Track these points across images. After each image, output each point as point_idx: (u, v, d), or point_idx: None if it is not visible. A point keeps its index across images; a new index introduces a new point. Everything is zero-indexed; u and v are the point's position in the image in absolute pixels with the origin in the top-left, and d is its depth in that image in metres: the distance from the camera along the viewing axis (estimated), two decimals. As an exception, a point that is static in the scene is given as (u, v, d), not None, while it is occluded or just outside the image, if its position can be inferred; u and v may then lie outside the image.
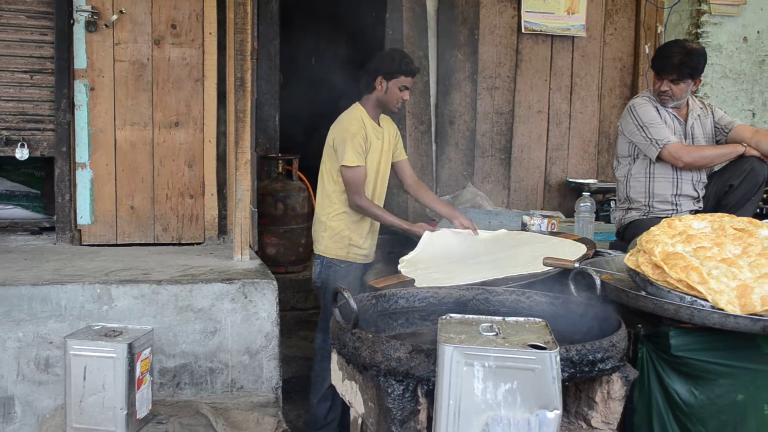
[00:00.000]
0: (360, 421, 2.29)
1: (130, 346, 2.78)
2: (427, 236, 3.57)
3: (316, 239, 3.91)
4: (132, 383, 2.80)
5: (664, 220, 2.79)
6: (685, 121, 3.91)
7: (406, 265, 3.33)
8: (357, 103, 3.90)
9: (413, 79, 3.89)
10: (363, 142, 3.74)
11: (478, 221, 4.48)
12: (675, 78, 3.77)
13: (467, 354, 1.74)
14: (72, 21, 4.14)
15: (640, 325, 2.53)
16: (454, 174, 5.58)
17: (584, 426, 2.25)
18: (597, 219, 4.82)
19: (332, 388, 3.46)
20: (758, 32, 5.68)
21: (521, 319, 1.97)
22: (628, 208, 3.98)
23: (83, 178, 4.23)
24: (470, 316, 1.98)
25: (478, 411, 1.73)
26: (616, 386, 2.17)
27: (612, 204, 5.03)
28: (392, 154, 4.02)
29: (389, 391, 2.01)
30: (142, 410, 2.89)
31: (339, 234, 3.82)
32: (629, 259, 2.69)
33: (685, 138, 3.89)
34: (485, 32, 5.56)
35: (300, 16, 6.26)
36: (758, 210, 4.05)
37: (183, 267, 3.69)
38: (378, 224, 3.95)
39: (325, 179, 3.87)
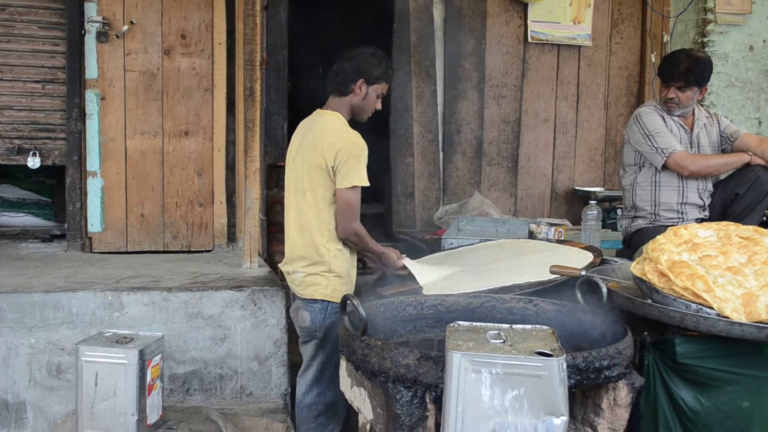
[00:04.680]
0: (368, 427, 2.31)
1: (141, 353, 2.81)
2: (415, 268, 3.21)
3: (315, 282, 3.11)
4: (143, 389, 2.83)
5: (669, 228, 2.80)
6: (691, 130, 3.93)
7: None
8: (331, 111, 3.20)
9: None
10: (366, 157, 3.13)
11: (485, 229, 4.51)
12: (682, 85, 3.80)
13: (475, 361, 1.76)
14: (83, 31, 4.20)
15: (646, 333, 2.54)
16: (461, 182, 5.61)
17: (591, 432, 2.27)
18: (603, 227, 4.83)
19: None
20: (764, 41, 5.70)
21: (528, 326, 1.99)
22: (635, 217, 4.00)
23: (94, 187, 4.28)
24: (478, 323, 2.00)
25: (485, 417, 1.75)
26: (623, 393, 2.19)
27: (618, 212, 5.05)
28: None
29: (398, 397, 2.03)
30: (153, 416, 2.92)
31: (347, 273, 3.17)
32: (635, 267, 2.70)
33: (691, 147, 3.91)
34: (492, 41, 5.60)
35: (308, 26, 6.30)
36: (764, 218, 4.06)
37: (193, 274, 3.73)
38: None
39: (323, 207, 3.09)
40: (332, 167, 3.03)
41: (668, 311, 2.45)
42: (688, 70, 3.77)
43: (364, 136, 3.11)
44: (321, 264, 3.11)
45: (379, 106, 3.28)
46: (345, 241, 3.12)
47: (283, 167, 5.06)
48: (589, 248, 3.47)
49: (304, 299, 3.12)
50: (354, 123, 3.28)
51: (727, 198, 3.88)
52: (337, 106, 3.19)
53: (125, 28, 4.24)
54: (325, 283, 3.10)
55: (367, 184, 3.06)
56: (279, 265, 3.31)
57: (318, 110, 3.24)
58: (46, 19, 4.24)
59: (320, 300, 3.10)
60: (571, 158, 5.87)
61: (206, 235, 4.47)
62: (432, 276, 3.13)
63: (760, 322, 2.33)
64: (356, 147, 3.05)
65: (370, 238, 3.17)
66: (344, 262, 3.14)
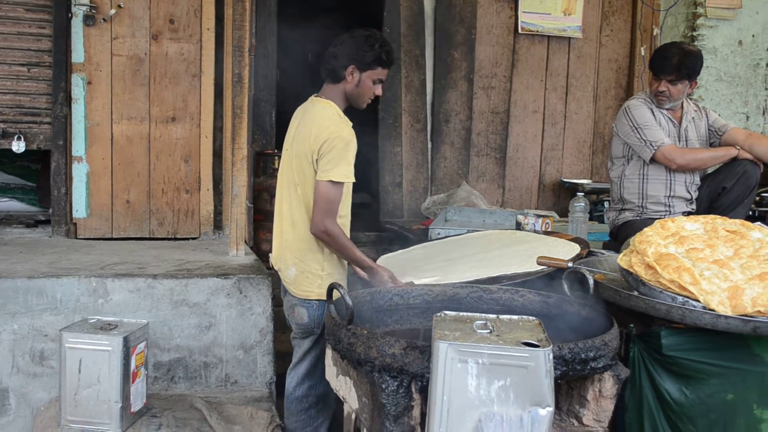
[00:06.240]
0: (354, 416, 2.31)
1: (126, 340, 2.79)
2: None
3: (309, 281, 2.99)
4: (127, 377, 2.81)
5: (657, 221, 2.81)
6: (680, 123, 3.94)
7: (384, 261, 3.35)
8: (323, 99, 3.03)
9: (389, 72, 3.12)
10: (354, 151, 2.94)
11: (472, 220, 4.52)
12: (673, 78, 3.80)
13: (461, 351, 1.76)
14: (70, 15, 4.15)
15: (632, 325, 2.55)
16: (449, 172, 5.60)
17: (576, 424, 2.27)
18: (591, 219, 4.84)
19: None
20: (753, 36, 5.71)
21: (515, 317, 1.99)
22: (622, 209, 4.01)
23: (79, 172, 4.24)
24: (465, 313, 2.00)
25: (471, 407, 1.75)
26: (608, 385, 2.19)
27: (606, 204, 5.06)
28: None
29: (383, 386, 2.02)
30: (137, 404, 2.91)
31: (342, 269, 3.06)
32: (622, 260, 2.71)
33: (679, 140, 3.92)
34: (482, 32, 5.59)
35: (297, 13, 6.27)
36: (750, 212, 4.08)
37: (178, 261, 3.70)
38: None
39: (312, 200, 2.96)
40: (316, 159, 2.88)
41: (654, 303, 2.45)
42: (679, 64, 3.78)
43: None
44: (314, 261, 2.98)
45: (378, 92, 3.06)
46: (317, 237, 2.93)
47: (270, 155, 5.10)
48: (576, 240, 3.47)
49: (296, 297, 3.02)
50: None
51: (714, 191, 3.90)
52: (330, 94, 3.02)
53: (113, 11, 4.20)
54: (319, 282, 2.97)
55: (349, 180, 2.89)
56: (270, 257, 3.20)
57: (312, 97, 3.09)
58: (33, 2, 4.18)
59: (313, 299, 2.99)
60: (560, 150, 5.88)
61: (192, 222, 4.44)
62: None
63: (746, 315, 2.34)
64: (341, 140, 2.85)
65: (350, 243, 2.97)
66: (338, 259, 3.02)
